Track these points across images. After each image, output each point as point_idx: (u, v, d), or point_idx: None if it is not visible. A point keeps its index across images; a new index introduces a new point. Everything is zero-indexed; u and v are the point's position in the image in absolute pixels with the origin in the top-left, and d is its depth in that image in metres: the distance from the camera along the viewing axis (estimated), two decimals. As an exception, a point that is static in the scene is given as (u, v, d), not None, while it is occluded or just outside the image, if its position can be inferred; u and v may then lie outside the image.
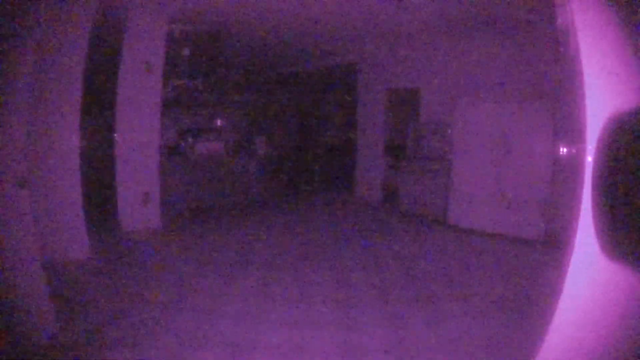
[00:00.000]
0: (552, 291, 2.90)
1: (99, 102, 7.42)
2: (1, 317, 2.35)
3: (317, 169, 9.70)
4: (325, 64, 8.33)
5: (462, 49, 6.24)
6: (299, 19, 5.51)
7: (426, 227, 5.93)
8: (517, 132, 5.24)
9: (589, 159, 1.74)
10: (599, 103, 1.76)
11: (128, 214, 5.16)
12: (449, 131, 6.20)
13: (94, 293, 3.33)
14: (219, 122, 7.88)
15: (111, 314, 2.99)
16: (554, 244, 5.03)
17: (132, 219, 5.20)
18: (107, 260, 4.18)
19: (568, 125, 5.15)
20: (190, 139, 6.84)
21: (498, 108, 5.42)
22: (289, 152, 8.77)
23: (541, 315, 2.82)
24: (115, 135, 4.88)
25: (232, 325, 2.85)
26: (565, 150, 5.28)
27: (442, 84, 6.54)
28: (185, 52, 5.58)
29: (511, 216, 5.31)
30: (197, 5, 5.00)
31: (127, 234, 5.06)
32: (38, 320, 2.55)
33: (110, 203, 5.21)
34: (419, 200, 6.48)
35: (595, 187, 1.74)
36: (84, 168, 4.11)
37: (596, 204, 1.72)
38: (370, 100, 7.77)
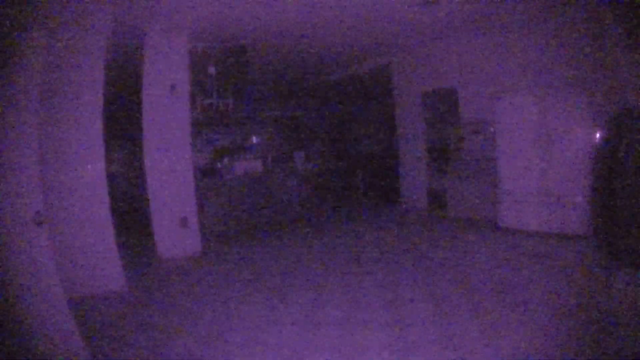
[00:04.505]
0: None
1: (124, 127, 7.53)
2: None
3: (360, 179, 9.22)
4: (359, 70, 8.00)
5: (497, 43, 5.96)
6: (326, 25, 5.29)
7: (477, 231, 5.50)
8: (559, 124, 4.95)
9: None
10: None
11: (165, 240, 4.99)
12: (492, 129, 5.92)
13: (130, 328, 3.10)
14: (254, 140, 7.69)
15: (149, 349, 2.73)
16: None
17: (170, 245, 5.02)
18: (144, 291, 3.97)
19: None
20: (226, 159, 6.67)
21: (538, 101, 5.10)
22: (329, 164, 8.38)
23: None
24: (146, 160, 4.75)
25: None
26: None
27: (480, 81, 6.25)
28: (212, 70, 5.42)
29: (559, 213, 4.97)
30: (218, 22, 4.84)
31: (165, 262, 4.87)
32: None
33: (146, 230, 5.07)
34: (467, 204, 6.25)
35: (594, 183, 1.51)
36: (115, 196, 3.97)
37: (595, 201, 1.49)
38: (407, 103, 7.45)
